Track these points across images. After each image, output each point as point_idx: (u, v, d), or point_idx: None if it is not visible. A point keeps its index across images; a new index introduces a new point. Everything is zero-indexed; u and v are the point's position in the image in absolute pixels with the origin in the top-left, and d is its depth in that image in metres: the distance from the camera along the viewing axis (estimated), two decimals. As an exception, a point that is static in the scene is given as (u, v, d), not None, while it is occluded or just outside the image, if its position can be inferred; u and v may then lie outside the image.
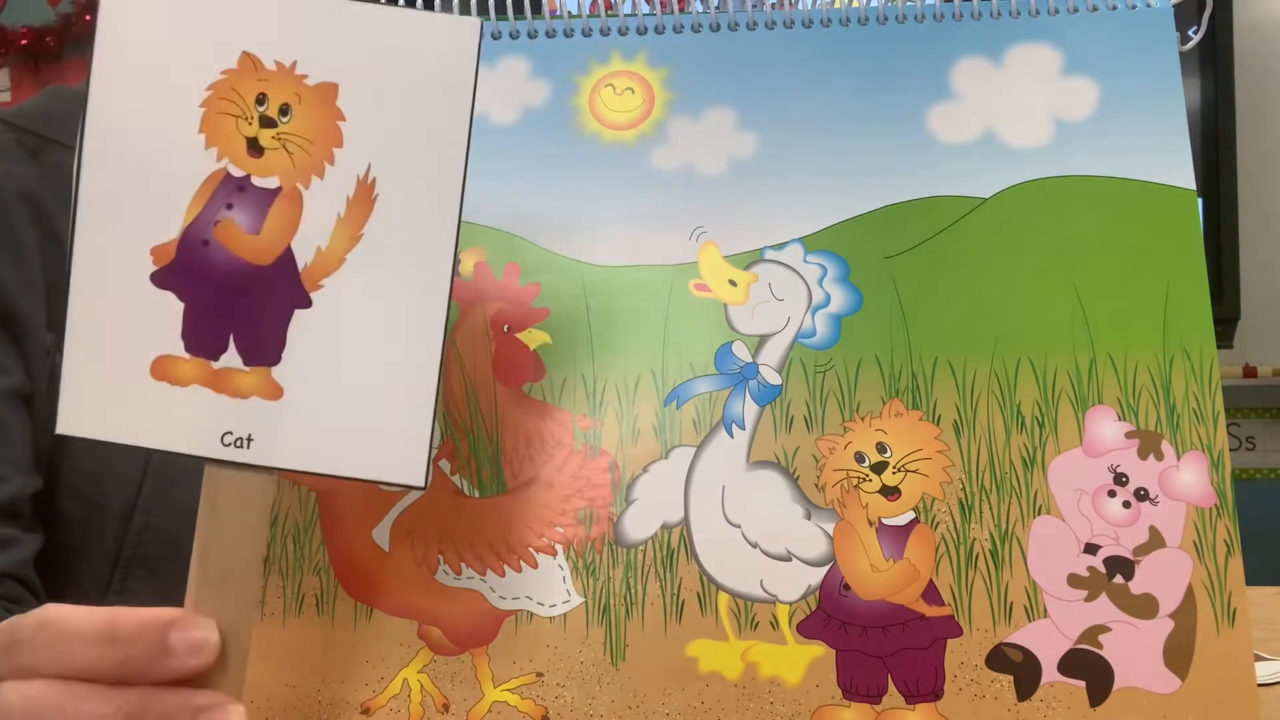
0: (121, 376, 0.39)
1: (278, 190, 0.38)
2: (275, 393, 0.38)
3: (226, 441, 0.39)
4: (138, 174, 0.39)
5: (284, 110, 0.38)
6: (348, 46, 0.38)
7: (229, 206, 0.38)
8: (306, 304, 0.38)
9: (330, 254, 0.38)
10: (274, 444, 0.39)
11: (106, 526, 0.68)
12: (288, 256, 0.38)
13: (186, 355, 0.39)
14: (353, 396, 0.38)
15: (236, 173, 0.38)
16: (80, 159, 0.39)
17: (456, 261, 0.38)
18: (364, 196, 0.38)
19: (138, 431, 0.39)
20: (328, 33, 0.38)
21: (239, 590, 0.39)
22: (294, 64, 0.38)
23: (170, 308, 0.39)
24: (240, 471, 0.39)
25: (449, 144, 0.38)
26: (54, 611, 0.39)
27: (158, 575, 0.68)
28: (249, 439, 0.38)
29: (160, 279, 0.39)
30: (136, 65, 0.39)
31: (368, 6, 0.38)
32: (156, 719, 0.36)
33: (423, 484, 0.38)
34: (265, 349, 0.38)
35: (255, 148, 0.38)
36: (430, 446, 0.38)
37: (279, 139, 0.38)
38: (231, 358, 0.39)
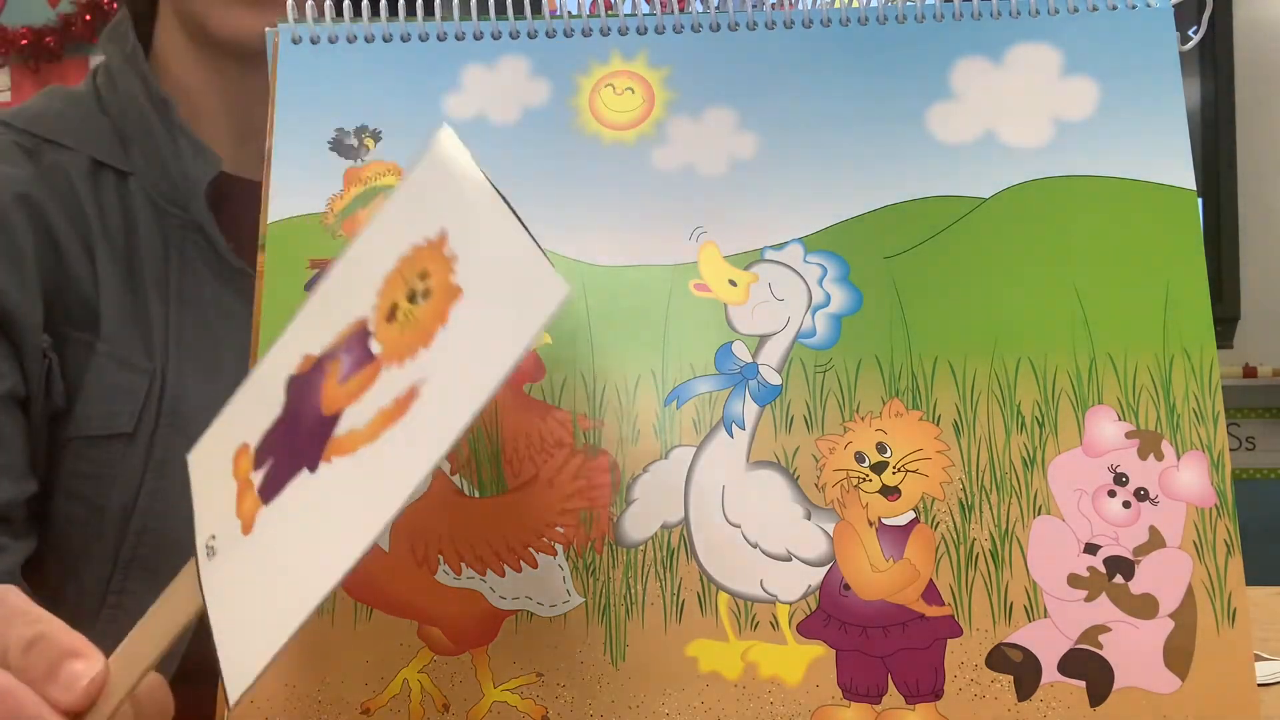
0: (223, 442, 0.41)
1: (373, 358, 0.38)
2: (247, 526, 0.38)
3: (208, 543, 0.39)
4: (341, 290, 0.40)
5: (426, 294, 0.37)
6: (484, 258, 0.37)
7: (347, 351, 0.39)
8: (313, 468, 0.38)
9: (356, 438, 0.37)
10: (215, 571, 0.39)
11: (106, 528, 0.68)
12: (335, 419, 0.38)
13: (251, 454, 0.40)
14: (265, 580, 0.38)
15: (370, 327, 0.39)
16: (339, 257, 0.41)
17: (398, 513, 0.36)
18: (402, 406, 0.37)
19: (196, 492, 0.42)
20: (483, 238, 0.37)
21: (136, 664, 0.39)
22: (456, 258, 0.37)
23: (276, 411, 0.40)
24: (194, 573, 0.39)
25: (473, 394, 0.35)
26: (13, 598, 0.40)
27: (158, 576, 0.68)
28: (215, 551, 0.39)
29: (288, 383, 0.40)
30: (407, 205, 0.40)
31: (519, 231, 0.36)
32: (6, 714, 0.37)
33: (229, 706, 0.37)
34: (271, 486, 0.39)
35: (392, 315, 0.38)
36: (256, 679, 0.36)
37: (406, 316, 0.38)
38: (258, 476, 0.39)
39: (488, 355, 0.35)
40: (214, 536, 0.39)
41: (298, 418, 0.39)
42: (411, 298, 0.38)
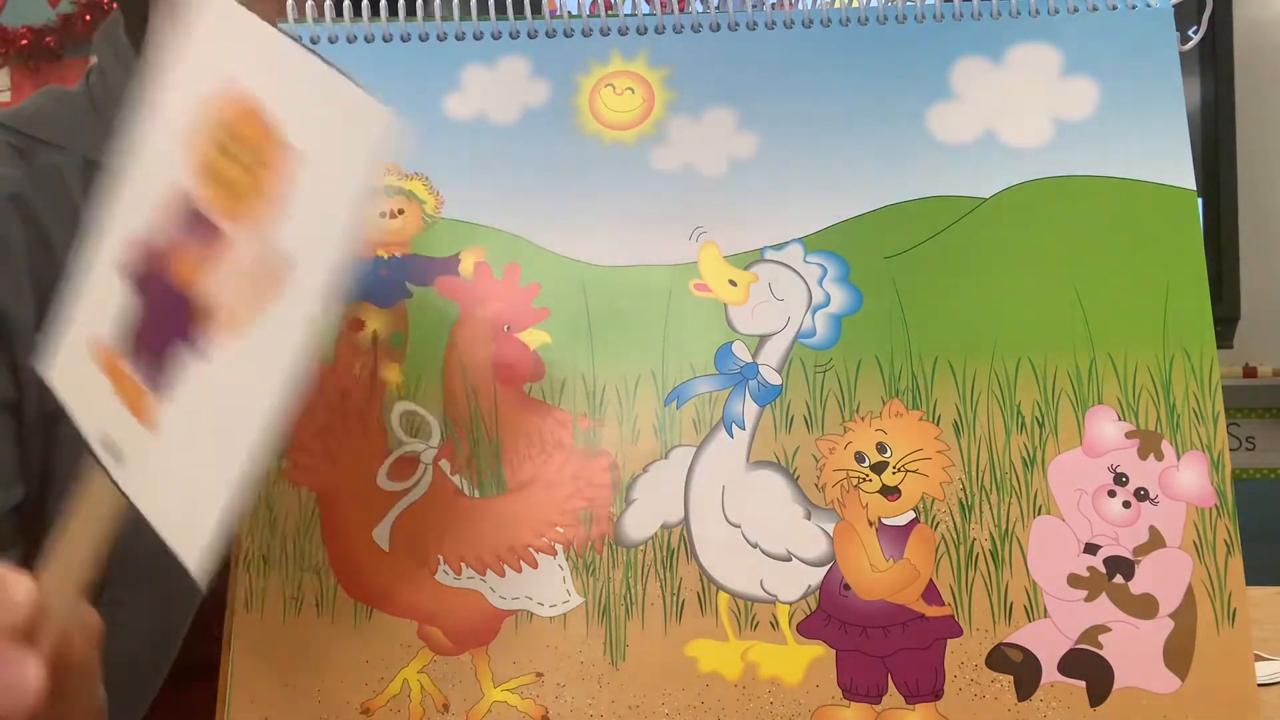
0: (76, 344, 0.41)
1: (217, 230, 0.37)
2: (151, 423, 0.38)
3: (104, 442, 0.39)
4: (141, 161, 0.39)
5: (252, 152, 0.36)
6: (305, 109, 0.36)
7: (184, 228, 0.38)
8: (189, 340, 0.37)
9: (236, 316, 0.36)
10: (132, 472, 0.39)
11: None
12: (196, 293, 0.37)
13: (117, 350, 0.40)
14: (195, 461, 0.38)
15: (191, 193, 0.37)
16: (128, 136, 0.40)
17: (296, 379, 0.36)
18: (275, 276, 0.36)
19: (70, 399, 0.42)
20: (298, 89, 0.36)
21: (70, 575, 0.40)
22: (275, 113, 0.36)
23: (120, 301, 0.40)
24: (104, 478, 0.39)
25: (339, 241, 0.35)
26: None
27: (153, 574, 0.68)
28: (121, 453, 0.39)
29: (127, 273, 0.39)
30: (191, 60, 0.39)
31: (330, 71, 0.36)
32: None
33: (201, 588, 0.37)
34: (151, 373, 0.38)
35: (212, 175, 0.37)
36: (214, 552, 0.37)
37: (235, 178, 0.36)
38: (137, 371, 0.39)
39: (341, 203, 0.35)
40: (110, 437, 0.39)
41: (156, 304, 0.39)
42: (226, 153, 0.37)
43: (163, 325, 0.38)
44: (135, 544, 0.68)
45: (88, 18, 2.43)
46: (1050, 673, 0.45)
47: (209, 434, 0.37)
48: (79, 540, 0.40)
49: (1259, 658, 0.71)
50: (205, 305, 0.37)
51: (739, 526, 0.47)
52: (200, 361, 0.37)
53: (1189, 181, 0.49)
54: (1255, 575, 0.49)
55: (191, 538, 0.37)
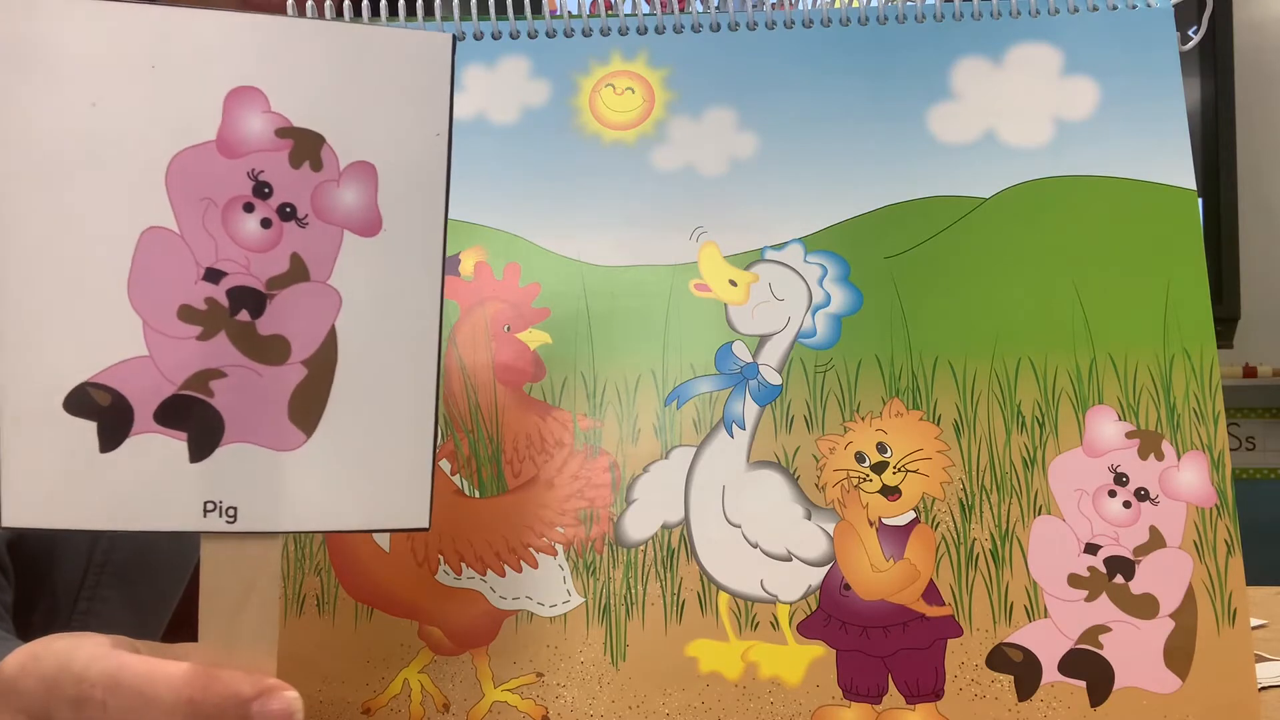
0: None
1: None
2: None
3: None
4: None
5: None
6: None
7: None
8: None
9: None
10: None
11: (77, 535, 0.68)
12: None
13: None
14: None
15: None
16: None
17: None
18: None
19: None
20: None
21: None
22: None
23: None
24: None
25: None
26: (130, 669, 0.37)
27: (128, 581, 0.69)
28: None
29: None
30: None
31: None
32: None
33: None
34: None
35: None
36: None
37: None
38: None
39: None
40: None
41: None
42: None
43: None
44: (113, 549, 0.69)
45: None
46: (1050, 673, 0.45)
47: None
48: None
49: (1259, 658, 0.71)
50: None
51: (739, 526, 0.47)
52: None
53: (1189, 181, 0.49)
54: (1255, 575, 0.49)
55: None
